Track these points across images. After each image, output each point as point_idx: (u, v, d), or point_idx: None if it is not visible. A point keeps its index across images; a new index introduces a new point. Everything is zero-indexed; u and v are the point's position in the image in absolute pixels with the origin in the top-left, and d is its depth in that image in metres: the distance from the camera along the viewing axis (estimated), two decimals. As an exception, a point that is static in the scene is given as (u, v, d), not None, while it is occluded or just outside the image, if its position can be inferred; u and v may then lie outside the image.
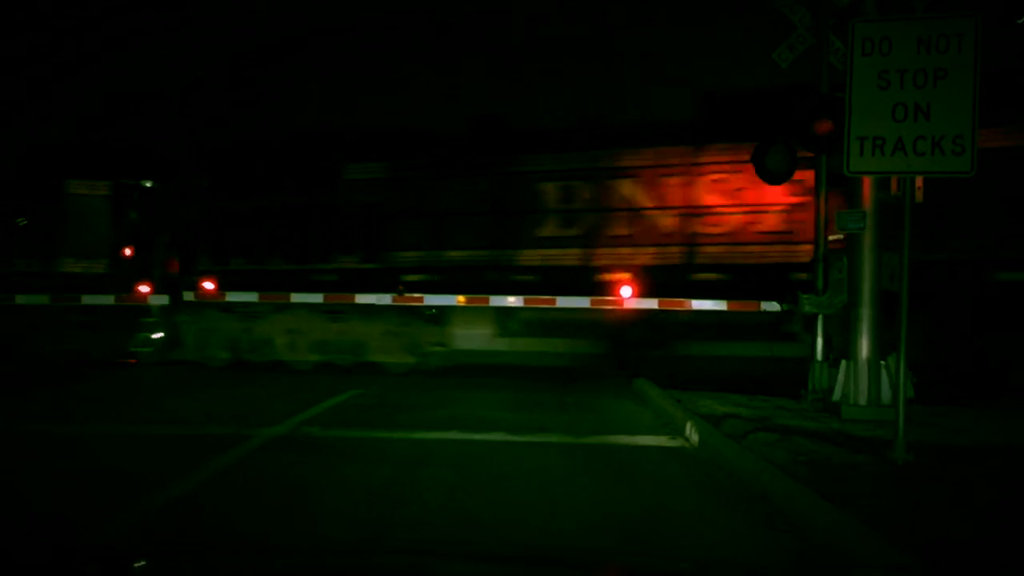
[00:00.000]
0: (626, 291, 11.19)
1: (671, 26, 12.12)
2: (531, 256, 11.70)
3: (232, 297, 12.66)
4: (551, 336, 11.79)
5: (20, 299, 13.17)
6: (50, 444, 6.55)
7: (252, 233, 12.92)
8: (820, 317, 8.69)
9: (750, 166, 9.20)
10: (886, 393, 7.55)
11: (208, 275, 12.74)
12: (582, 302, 11.26)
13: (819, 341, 8.68)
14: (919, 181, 7.12)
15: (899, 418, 5.57)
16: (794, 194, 10.47)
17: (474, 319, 12.01)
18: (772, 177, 9.13)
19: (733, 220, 10.97)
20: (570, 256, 11.55)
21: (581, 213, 11.55)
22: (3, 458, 6.06)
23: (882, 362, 7.61)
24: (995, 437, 6.77)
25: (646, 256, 11.31)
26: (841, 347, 8.03)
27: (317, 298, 12.20)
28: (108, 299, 12.99)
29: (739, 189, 10.84)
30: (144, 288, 12.99)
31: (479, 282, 11.75)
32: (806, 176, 9.55)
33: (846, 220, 7.56)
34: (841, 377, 7.77)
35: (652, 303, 11.09)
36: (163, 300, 12.96)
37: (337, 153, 12.43)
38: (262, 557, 3.12)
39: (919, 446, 5.81)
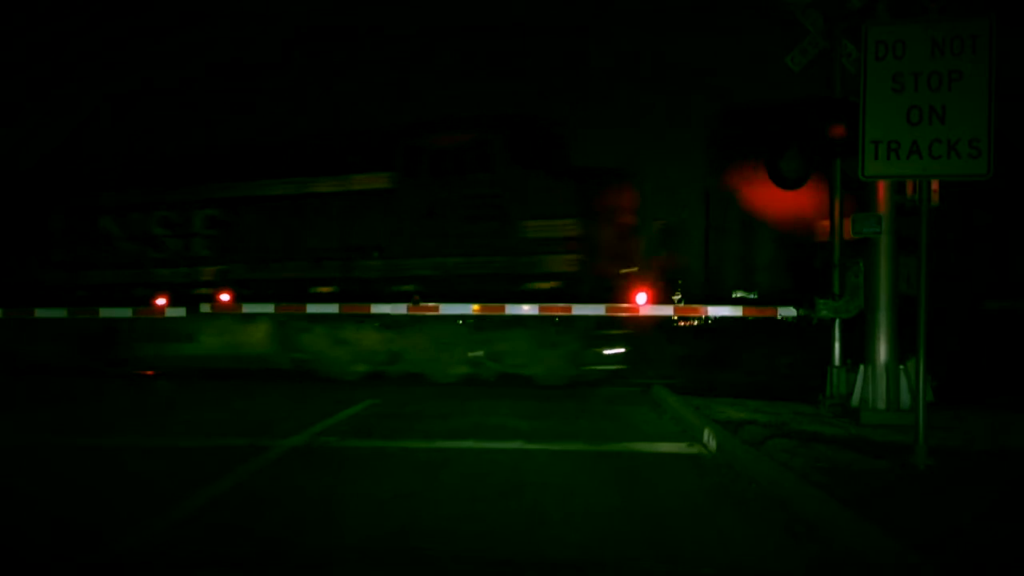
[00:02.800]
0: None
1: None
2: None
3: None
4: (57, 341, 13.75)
5: None
6: (72, 456, 6.60)
7: None
8: (837, 321, 8.66)
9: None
10: (905, 397, 7.50)
11: None
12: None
13: (837, 346, 8.65)
14: (935, 184, 7.08)
15: (919, 423, 5.53)
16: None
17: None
18: (787, 183, 9.12)
19: (174, 246, 13.47)
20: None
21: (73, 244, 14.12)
22: (18, 469, 6.12)
23: (901, 366, 7.56)
24: (1018, 440, 6.71)
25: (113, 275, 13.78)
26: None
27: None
28: None
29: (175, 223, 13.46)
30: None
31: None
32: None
33: (862, 224, 7.52)
34: (859, 382, 7.73)
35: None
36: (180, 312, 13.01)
37: None
38: (281, 568, 3.14)
39: (940, 451, 5.76)
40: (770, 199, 10.40)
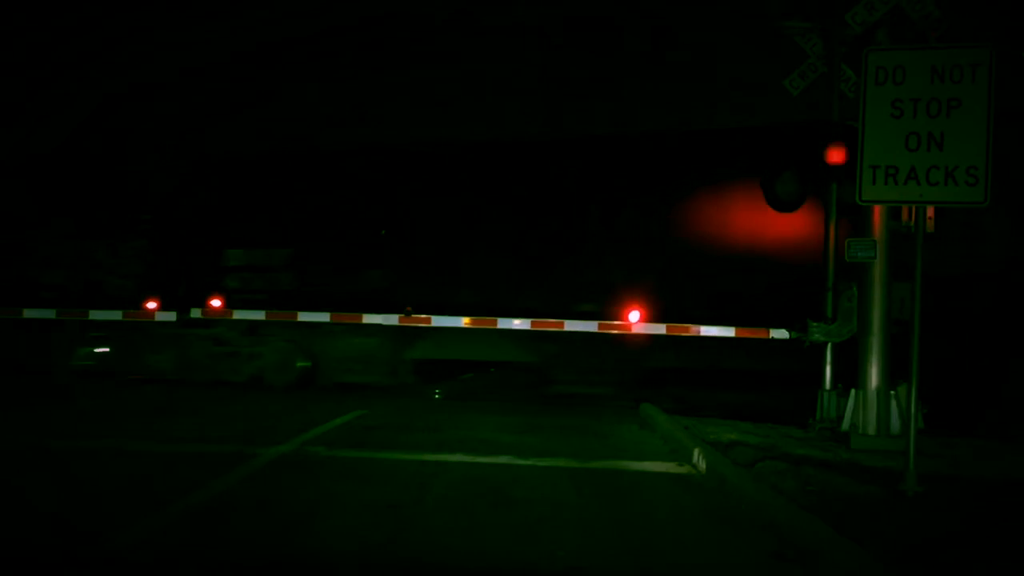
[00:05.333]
0: None
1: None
2: None
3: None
4: None
5: None
6: (57, 460, 6.54)
7: None
8: (829, 346, 8.65)
9: None
10: (896, 423, 7.49)
11: None
12: None
13: (828, 370, 8.64)
14: (930, 211, 7.11)
15: (909, 449, 5.52)
16: None
17: None
18: (782, 205, 9.21)
19: None
20: None
21: None
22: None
23: (892, 392, 7.56)
24: (1009, 469, 6.71)
25: None
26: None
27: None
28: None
29: None
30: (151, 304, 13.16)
31: None
32: None
33: (856, 249, 7.53)
34: (850, 407, 7.72)
35: None
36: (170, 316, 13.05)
37: None
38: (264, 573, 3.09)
39: (929, 477, 5.75)
40: None
